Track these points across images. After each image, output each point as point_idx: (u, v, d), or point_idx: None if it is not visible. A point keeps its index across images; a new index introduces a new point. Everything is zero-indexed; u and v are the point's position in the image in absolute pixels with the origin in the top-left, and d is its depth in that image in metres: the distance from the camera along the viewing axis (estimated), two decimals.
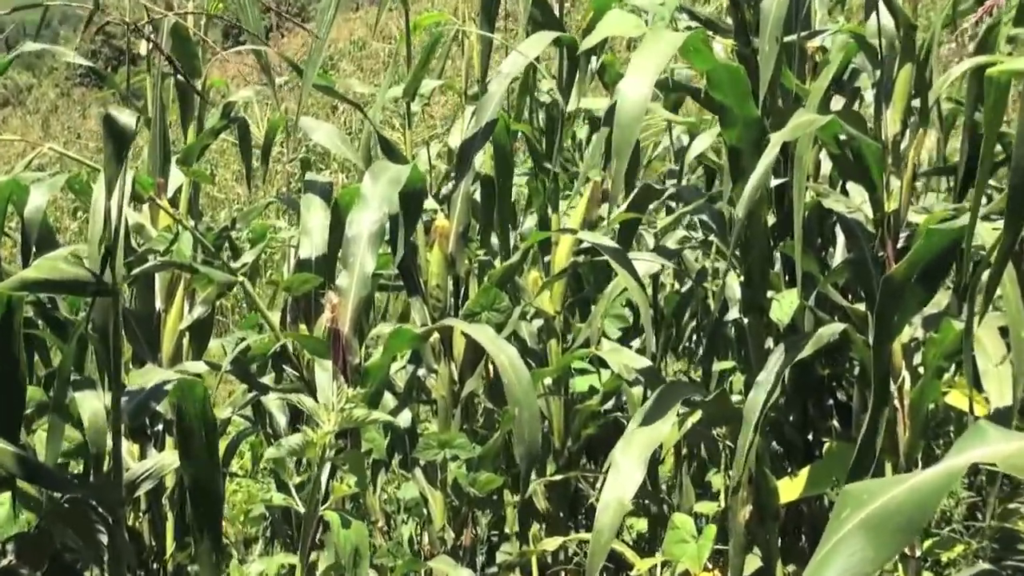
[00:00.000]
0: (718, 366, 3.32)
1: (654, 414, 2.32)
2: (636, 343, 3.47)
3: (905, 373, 2.36)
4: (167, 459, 2.82)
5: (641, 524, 3.50)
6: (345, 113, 11.19)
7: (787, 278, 2.77)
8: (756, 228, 2.43)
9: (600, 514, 2.24)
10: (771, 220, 2.62)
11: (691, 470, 3.31)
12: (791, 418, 2.99)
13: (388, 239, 3.06)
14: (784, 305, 2.44)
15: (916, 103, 2.43)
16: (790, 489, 2.56)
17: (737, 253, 2.48)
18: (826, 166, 2.99)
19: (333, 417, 2.18)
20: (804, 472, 2.60)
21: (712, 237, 2.84)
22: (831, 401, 3.12)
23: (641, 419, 2.32)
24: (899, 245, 2.37)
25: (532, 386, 2.59)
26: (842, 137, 2.39)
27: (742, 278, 2.51)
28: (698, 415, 2.53)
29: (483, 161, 3.37)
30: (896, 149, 2.37)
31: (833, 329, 2.33)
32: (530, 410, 2.55)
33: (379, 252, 2.79)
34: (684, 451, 3.31)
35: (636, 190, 3.05)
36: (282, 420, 3.55)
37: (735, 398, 2.85)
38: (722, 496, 3.04)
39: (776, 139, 2.12)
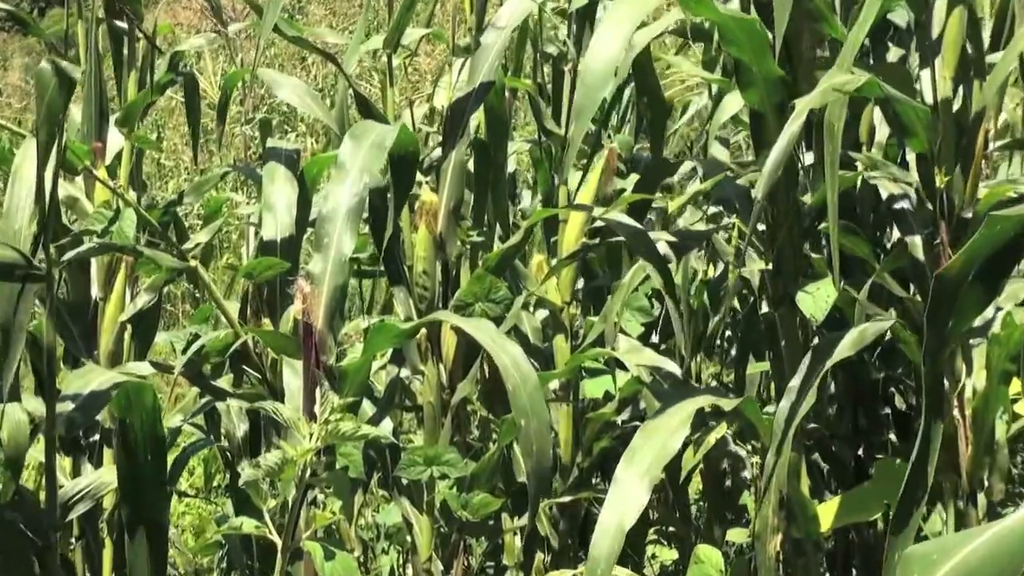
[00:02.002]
0: (753, 368, 3.35)
1: (663, 424, 2.34)
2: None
3: (967, 378, 2.39)
4: (106, 476, 2.85)
5: (666, 554, 3.55)
6: (315, 65, 11.19)
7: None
8: (784, 205, 2.46)
9: (597, 540, 2.27)
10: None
11: (723, 491, 3.34)
12: (839, 430, 3.03)
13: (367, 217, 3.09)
14: (818, 298, 2.44)
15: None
16: (824, 515, 2.58)
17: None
18: (883, 132, 3.03)
19: (317, 430, 2.15)
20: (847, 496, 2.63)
21: (735, 218, 2.86)
22: (887, 410, 3.16)
23: (648, 431, 2.35)
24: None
25: (541, 392, 2.59)
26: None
27: (769, 265, 2.54)
28: (723, 428, 2.56)
29: (478, 125, 3.41)
30: (948, 112, 2.38)
31: (878, 326, 2.35)
32: (539, 420, 2.55)
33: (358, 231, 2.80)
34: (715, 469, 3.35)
35: (646, 164, 3.08)
36: (240, 431, 3.57)
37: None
38: (754, 523, 3.08)
39: (802, 106, 2.14)
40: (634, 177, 3.43)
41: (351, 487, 3.36)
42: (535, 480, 2.57)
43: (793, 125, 2.12)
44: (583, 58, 2.18)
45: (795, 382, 2.37)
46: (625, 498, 2.28)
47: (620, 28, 2.17)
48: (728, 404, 2.48)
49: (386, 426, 3.39)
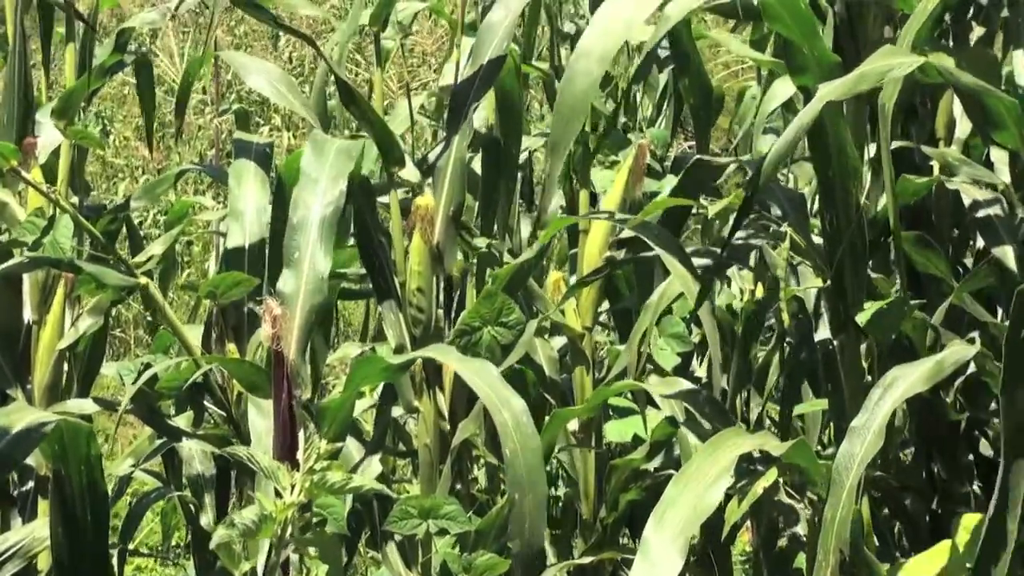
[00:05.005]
0: (805, 407, 3.32)
1: (699, 472, 2.32)
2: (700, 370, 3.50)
3: None
4: (40, 531, 2.84)
5: None
6: (291, 45, 11.20)
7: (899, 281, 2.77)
8: (843, 211, 2.45)
9: None
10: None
11: (772, 551, 3.33)
12: (912, 480, 3.02)
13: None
14: (886, 318, 2.40)
15: None
16: None
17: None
18: (964, 126, 3.01)
19: (299, 481, 2.14)
20: (917, 560, 2.61)
21: (785, 227, 2.84)
22: (971, 456, 3.14)
23: (681, 482, 2.32)
24: None
25: (541, 461, 2.55)
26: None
27: (827, 283, 2.53)
28: (773, 475, 2.54)
29: (486, 117, 3.40)
30: None
31: (958, 356, 2.32)
32: (536, 495, 2.51)
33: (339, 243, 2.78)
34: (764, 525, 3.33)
35: (688, 165, 3.07)
36: (204, 478, 3.55)
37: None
38: None
39: (823, 92, 2.13)
40: (671, 180, 3.41)
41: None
42: (521, 567, 2.56)
43: (805, 116, 2.10)
44: (568, 66, 2.15)
45: (858, 422, 2.35)
46: (655, 565, 2.26)
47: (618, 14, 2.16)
48: (778, 448, 2.46)
49: (374, 471, 3.36)
